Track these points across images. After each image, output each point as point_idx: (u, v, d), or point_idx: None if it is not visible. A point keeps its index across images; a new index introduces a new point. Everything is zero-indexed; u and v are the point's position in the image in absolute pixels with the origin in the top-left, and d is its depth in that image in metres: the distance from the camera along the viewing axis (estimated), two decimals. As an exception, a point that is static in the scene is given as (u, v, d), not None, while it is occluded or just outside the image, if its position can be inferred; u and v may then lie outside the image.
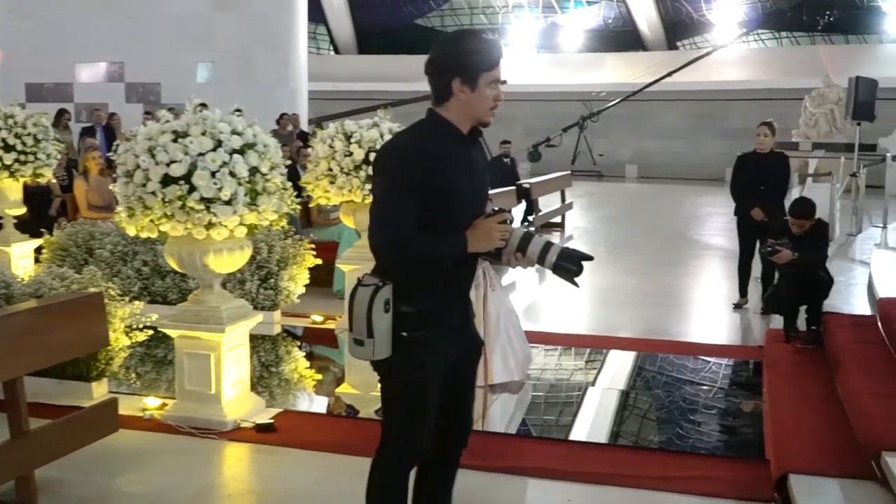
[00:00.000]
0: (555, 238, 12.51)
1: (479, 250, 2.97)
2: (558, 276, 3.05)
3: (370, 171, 6.71)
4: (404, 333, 2.91)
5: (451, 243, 2.92)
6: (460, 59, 2.91)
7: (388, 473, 3.10)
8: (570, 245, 3.32)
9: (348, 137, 6.74)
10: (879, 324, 6.40)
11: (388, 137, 6.75)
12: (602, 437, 5.30)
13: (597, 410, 5.73)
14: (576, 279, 3.03)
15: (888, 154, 13.83)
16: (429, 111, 3.01)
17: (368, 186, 6.77)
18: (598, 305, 8.83)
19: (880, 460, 4.01)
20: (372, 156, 6.70)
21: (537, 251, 3.03)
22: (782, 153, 8.51)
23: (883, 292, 7.10)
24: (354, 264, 7.32)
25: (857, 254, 10.21)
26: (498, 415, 5.67)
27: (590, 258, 3.05)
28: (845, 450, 4.37)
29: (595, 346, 7.10)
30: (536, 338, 7.23)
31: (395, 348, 2.91)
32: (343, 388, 6.14)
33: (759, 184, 7.94)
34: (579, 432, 5.30)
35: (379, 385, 3.09)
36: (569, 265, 3.01)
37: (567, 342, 7.26)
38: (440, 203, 2.86)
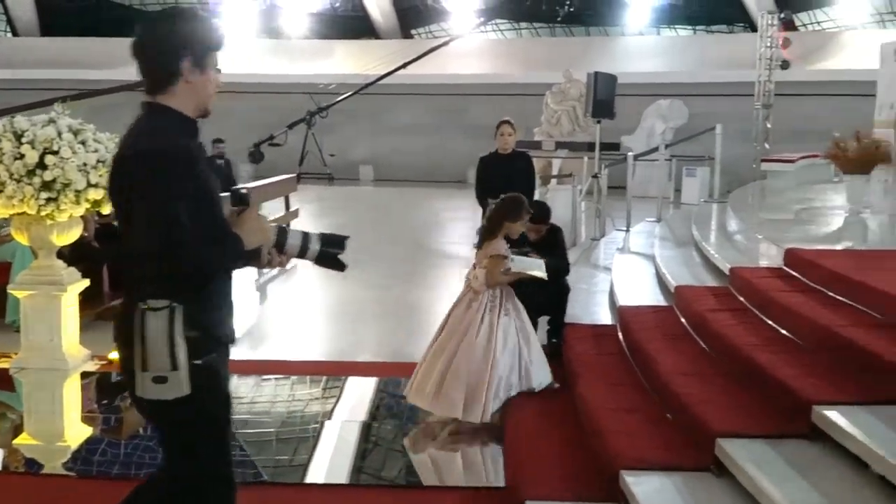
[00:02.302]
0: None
1: (254, 247, 2.99)
2: (322, 264, 3.17)
3: (46, 176, 6.37)
4: (198, 361, 2.85)
5: (233, 245, 2.93)
6: (190, 36, 2.92)
7: None
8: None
9: (19, 137, 6.36)
10: (619, 334, 6.88)
11: (67, 136, 6.44)
12: (342, 476, 5.32)
13: (336, 446, 5.78)
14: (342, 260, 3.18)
15: (629, 153, 14.96)
16: (150, 104, 2.96)
17: (45, 196, 6.42)
18: (333, 326, 8.89)
19: (620, 480, 4.29)
20: (48, 158, 6.36)
21: (298, 244, 3.11)
22: (525, 153, 8.95)
23: (623, 300, 7.65)
24: (31, 289, 6.95)
25: (601, 259, 10.93)
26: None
27: (346, 237, 3.20)
28: (586, 471, 4.66)
29: (332, 373, 7.13)
30: (258, 367, 7.17)
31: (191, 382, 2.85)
32: (22, 440, 5.82)
33: (506, 187, 8.26)
34: (316, 472, 5.32)
35: (166, 428, 3.03)
36: (335, 249, 3.14)
37: (300, 370, 7.24)
38: (204, 209, 2.87)
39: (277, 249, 3.11)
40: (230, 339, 3.09)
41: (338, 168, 27.83)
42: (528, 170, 8.50)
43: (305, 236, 3.14)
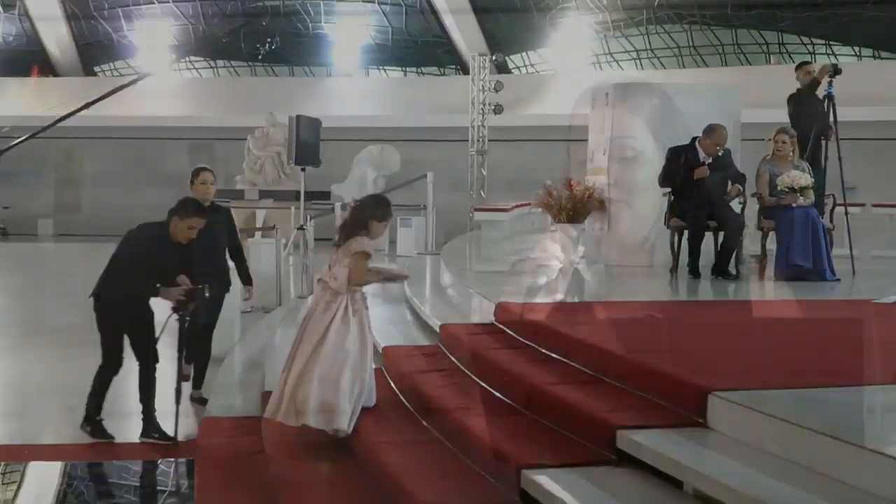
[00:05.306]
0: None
1: None
2: None
3: None
4: None
5: None
6: None
7: None
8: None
9: None
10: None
11: None
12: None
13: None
14: None
15: (338, 203, 15.21)
16: None
17: None
18: (5, 405, 8.48)
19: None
20: None
21: None
22: (223, 205, 8.86)
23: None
24: None
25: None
26: None
27: None
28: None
29: (10, 459, 6.81)
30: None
31: None
32: None
33: (204, 244, 8.15)
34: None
35: None
36: None
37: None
38: None
39: None
40: None
41: (12, 222, 26.82)
42: (229, 224, 8.42)
43: None
